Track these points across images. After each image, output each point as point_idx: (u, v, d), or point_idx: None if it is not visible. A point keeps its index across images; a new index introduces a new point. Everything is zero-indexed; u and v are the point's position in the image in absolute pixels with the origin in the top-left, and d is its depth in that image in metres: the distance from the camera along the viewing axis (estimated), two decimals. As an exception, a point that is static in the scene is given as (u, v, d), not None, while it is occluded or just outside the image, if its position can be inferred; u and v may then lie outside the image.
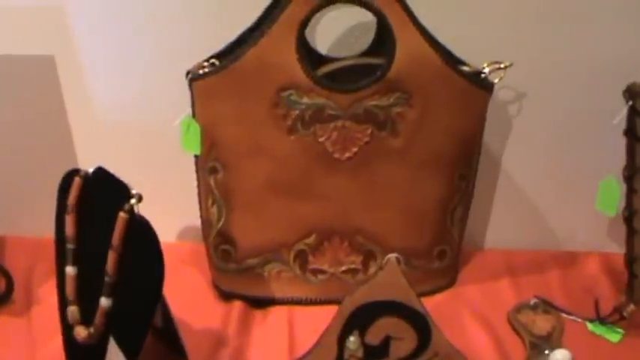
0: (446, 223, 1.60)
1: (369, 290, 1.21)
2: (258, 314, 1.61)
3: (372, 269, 1.63)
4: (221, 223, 1.54)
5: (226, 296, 1.62)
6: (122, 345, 1.28)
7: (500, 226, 1.79)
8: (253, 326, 1.58)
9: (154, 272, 1.24)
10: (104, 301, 1.27)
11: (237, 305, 1.61)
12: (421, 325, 1.19)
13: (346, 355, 1.22)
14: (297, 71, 1.44)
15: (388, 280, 1.20)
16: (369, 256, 1.62)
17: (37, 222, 1.67)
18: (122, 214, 1.22)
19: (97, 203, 1.32)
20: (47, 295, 1.67)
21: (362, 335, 1.20)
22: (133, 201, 1.23)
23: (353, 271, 1.63)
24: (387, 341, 1.20)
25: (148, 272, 1.24)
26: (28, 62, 1.66)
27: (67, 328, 1.40)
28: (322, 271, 1.61)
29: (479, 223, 1.74)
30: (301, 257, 1.60)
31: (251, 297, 1.64)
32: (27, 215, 1.64)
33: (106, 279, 1.26)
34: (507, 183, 1.76)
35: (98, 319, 1.29)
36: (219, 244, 1.56)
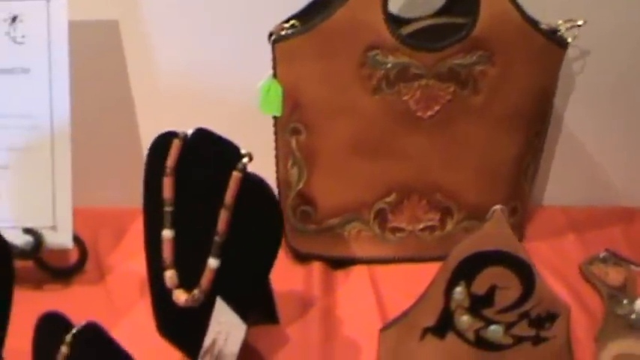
0: (519, 180, 1.64)
1: (475, 241, 1.22)
2: (339, 274, 1.62)
3: (448, 226, 1.65)
4: (301, 184, 1.54)
5: (304, 258, 1.62)
6: (234, 306, 1.25)
7: (560, 182, 1.77)
8: (337, 286, 1.59)
9: (271, 230, 1.25)
10: (212, 262, 1.27)
11: (317, 266, 1.61)
12: (525, 273, 1.22)
13: (453, 305, 1.23)
14: (383, 31, 1.47)
15: (494, 230, 1.21)
16: (446, 213, 1.64)
17: (99, 191, 1.64)
18: (236, 173, 1.22)
19: (197, 164, 1.30)
20: (118, 263, 1.69)
21: (468, 286, 1.22)
22: (245, 160, 1.21)
23: (430, 229, 1.64)
24: (492, 291, 1.22)
25: (263, 230, 1.23)
26: (92, 27, 1.64)
27: (161, 293, 1.39)
28: (401, 229, 1.62)
29: (539, 179, 1.77)
30: (381, 216, 1.60)
31: (331, 257, 1.64)
32: (90, 184, 1.62)
33: (216, 239, 1.25)
34: (568, 139, 1.77)
35: (204, 280, 1.28)
36: (298, 206, 1.57)
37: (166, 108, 1.75)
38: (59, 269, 1.57)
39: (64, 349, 1.00)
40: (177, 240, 1.36)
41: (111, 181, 1.74)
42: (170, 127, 1.38)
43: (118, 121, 1.76)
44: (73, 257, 1.64)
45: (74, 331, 1.01)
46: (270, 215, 1.25)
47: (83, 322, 1.02)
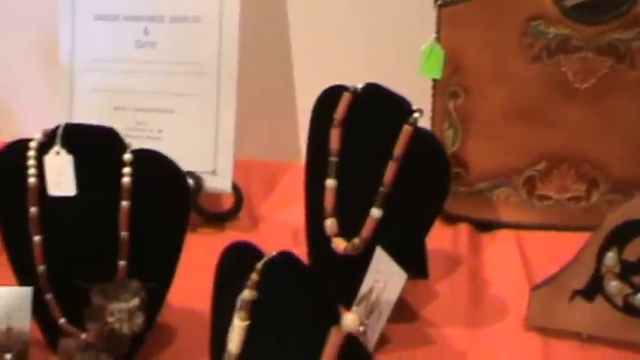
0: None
1: (629, 209, 1.25)
2: (485, 237, 1.65)
3: (594, 197, 1.68)
4: (455, 146, 1.59)
5: (452, 219, 1.64)
6: (394, 255, 1.28)
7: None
8: (483, 248, 1.62)
9: (439, 185, 1.31)
10: (375, 212, 1.31)
11: (464, 228, 1.64)
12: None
13: (603, 270, 1.26)
14: (547, 2, 1.52)
15: (651, 200, 1.24)
16: (592, 185, 1.67)
17: (251, 142, 1.70)
18: (407, 127, 1.26)
19: (366, 117, 1.34)
20: (270, 213, 1.75)
21: (620, 252, 1.25)
22: (416, 114, 1.25)
23: (576, 199, 1.67)
24: (643, 259, 1.25)
25: (430, 185, 1.27)
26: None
27: (319, 242, 1.44)
28: (548, 197, 1.66)
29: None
30: (530, 183, 1.64)
31: (478, 220, 1.67)
32: (243, 135, 1.69)
33: (381, 189, 1.30)
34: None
35: (366, 229, 1.32)
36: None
37: (324, 65, 1.79)
38: (214, 214, 1.63)
39: (254, 277, 1.03)
40: (339, 190, 1.41)
41: (264, 134, 1.78)
42: (327, 84, 1.43)
43: (276, 76, 1.79)
44: (227, 204, 1.67)
45: (266, 258, 1.04)
46: (440, 170, 1.30)
47: (275, 251, 1.04)
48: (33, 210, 1.26)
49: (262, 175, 1.77)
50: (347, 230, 1.38)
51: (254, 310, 1.02)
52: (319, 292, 0.97)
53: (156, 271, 1.27)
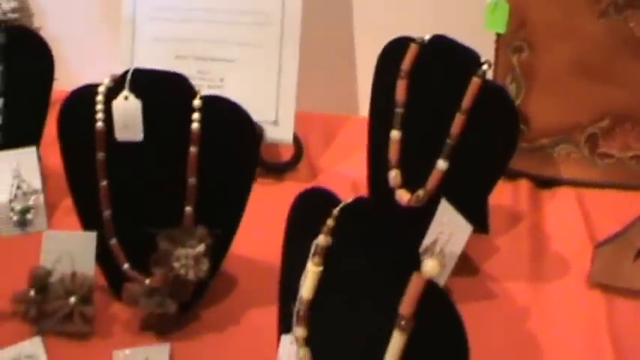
0: None
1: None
2: (546, 194, 1.65)
3: (656, 157, 1.57)
4: (518, 101, 1.59)
5: (513, 175, 1.64)
6: (457, 209, 1.27)
7: None
8: (544, 204, 1.61)
9: (507, 138, 1.31)
10: (441, 164, 1.30)
11: (525, 184, 1.64)
12: None
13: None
14: (615, -45, 1.40)
15: None
16: (656, 144, 1.56)
17: (311, 95, 1.69)
18: (475, 79, 1.25)
19: (433, 69, 1.33)
20: (328, 165, 1.75)
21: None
22: (485, 67, 1.24)
23: (638, 158, 1.65)
24: None
25: (498, 138, 1.27)
26: None
27: (381, 193, 1.44)
28: (610, 156, 1.65)
29: None
30: (592, 140, 1.63)
31: (539, 176, 1.66)
32: (303, 88, 1.68)
33: (447, 141, 1.29)
34: None
35: (431, 181, 1.31)
36: (512, 123, 1.55)
37: (385, 19, 1.78)
38: (274, 165, 1.63)
39: (329, 222, 1.03)
40: (404, 141, 1.40)
41: (323, 87, 1.77)
42: (388, 38, 1.42)
43: (336, 29, 1.77)
44: (286, 155, 1.67)
45: (343, 204, 1.03)
46: (509, 123, 1.29)
47: (352, 198, 1.04)
48: (100, 155, 1.27)
49: (321, 128, 1.77)
50: (411, 182, 1.39)
51: (328, 256, 1.00)
52: (398, 237, 0.94)
53: (222, 218, 1.27)
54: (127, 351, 1.25)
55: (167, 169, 1.26)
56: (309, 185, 1.49)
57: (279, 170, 1.62)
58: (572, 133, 1.61)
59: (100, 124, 1.25)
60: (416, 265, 0.90)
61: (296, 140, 1.59)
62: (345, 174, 1.56)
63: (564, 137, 1.60)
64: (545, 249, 1.49)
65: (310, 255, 1.02)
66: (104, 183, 1.27)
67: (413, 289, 0.88)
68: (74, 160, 1.32)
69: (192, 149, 1.21)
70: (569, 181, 1.66)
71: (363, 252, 0.97)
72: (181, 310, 1.27)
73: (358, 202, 1.03)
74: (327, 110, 1.78)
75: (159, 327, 1.32)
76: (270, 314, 1.27)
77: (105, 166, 1.27)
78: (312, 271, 1.02)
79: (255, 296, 1.39)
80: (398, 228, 0.96)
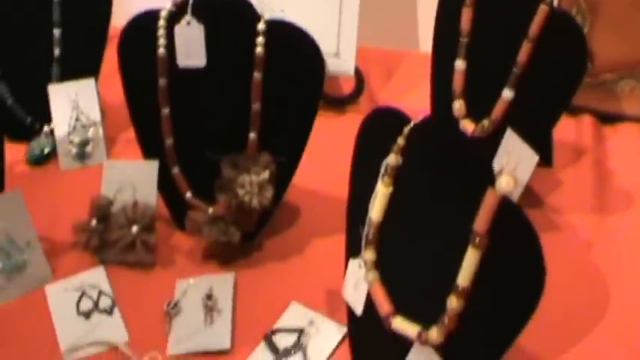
0: None
1: None
2: (608, 129, 1.63)
3: None
4: (583, 35, 1.51)
5: (575, 110, 1.62)
6: (527, 136, 1.26)
7: None
8: (606, 140, 1.60)
9: (575, 66, 1.29)
10: (507, 93, 1.28)
11: (587, 119, 1.63)
12: None
13: None
14: None
15: None
16: None
17: (370, 30, 1.67)
18: (543, 6, 1.23)
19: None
20: (388, 99, 1.73)
21: None
22: (555, -7, 1.21)
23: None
24: None
25: (566, 66, 1.25)
26: None
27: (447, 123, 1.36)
28: (674, 91, 1.54)
29: None
30: (656, 75, 1.52)
31: (602, 112, 1.64)
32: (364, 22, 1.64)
33: (514, 70, 1.26)
34: None
35: (496, 111, 1.30)
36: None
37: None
38: (335, 97, 1.61)
39: (400, 141, 1.01)
40: (469, 71, 1.37)
41: (383, 21, 1.75)
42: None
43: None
44: (346, 89, 1.66)
45: (414, 122, 1.02)
46: (577, 51, 1.27)
47: (422, 117, 1.03)
48: (162, 82, 1.25)
49: (381, 63, 1.76)
50: (475, 112, 1.36)
51: (399, 176, 0.98)
52: (472, 154, 0.93)
53: (286, 145, 1.26)
54: (191, 280, 1.24)
55: (230, 95, 1.24)
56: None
57: (340, 103, 1.61)
58: (636, 69, 1.56)
59: (161, 50, 1.24)
60: (490, 181, 0.87)
61: (357, 73, 1.58)
62: (407, 107, 1.52)
63: (628, 72, 1.58)
64: (609, 183, 1.47)
65: (380, 175, 0.99)
66: (166, 111, 1.26)
67: (487, 205, 0.87)
68: (135, 88, 1.32)
69: (257, 74, 1.20)
70: (632, 116, 1.62)
71: (434, 170, 0.96)
72: (244, 239, 1.24)
73: (430, 120, 1.00)
74: (387, 45, 1.72)
75: (222, 256, 1.30)
76: (332, 243, 1.29)
77: (167, 94, 1.26)
78: (381, 192, 1.01)
79: (318, 226, 1.39)
80: (470, 145, 0.93)
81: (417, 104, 1.48)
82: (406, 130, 0.99)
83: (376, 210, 1.00)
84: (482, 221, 0.87)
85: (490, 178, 0.89)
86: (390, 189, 1.00)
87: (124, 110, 1.44)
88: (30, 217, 1.26)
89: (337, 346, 1.18)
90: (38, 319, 1.25)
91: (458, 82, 1.33)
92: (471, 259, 0.88)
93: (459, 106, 1.33)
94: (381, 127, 1.07)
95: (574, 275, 1.24)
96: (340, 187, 1.28)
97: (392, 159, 0.98)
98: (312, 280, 1.28)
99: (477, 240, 0.87)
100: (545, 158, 1.38)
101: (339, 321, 1.20)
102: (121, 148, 1.55)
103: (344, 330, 1.19)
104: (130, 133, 1.46)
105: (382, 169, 0.99)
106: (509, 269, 0.89)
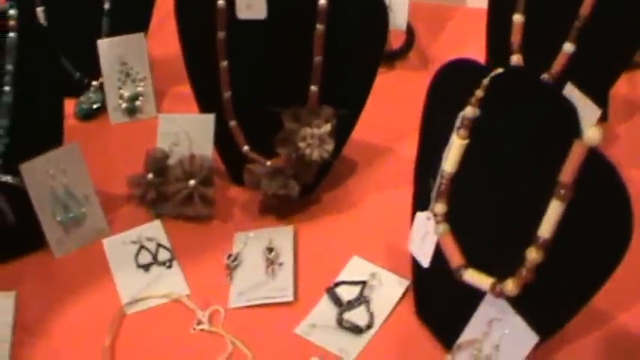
0: None
1: None
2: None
3: None
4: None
5: (631, 66, 1.59)
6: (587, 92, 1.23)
7: None
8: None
9: (636, 22, 1.23)
10: (568, 47, 1.28)
11: (640, 74, 1.53)
12: None
13: None
14: None
15: None
16: None
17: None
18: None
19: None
20: (438, 54, 1.72)
21: None
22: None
23: None
24: None
25: (629, 19, 1.22)
26: None
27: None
28: None
29: None
30: None
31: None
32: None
33: (575, 23, 1.25)
34: None
35: (556, 65, 1.29)
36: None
37: None
38: (385, 52, 1.58)
39: (478, 93, 1.01)
40: (527, 25, 1.36)
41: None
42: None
43: None
44: (396, 44, 1.67)
45: (493, 73, 1.00)
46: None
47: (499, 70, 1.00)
48: (221, 34, 1.24)
49: (429, 17, 1.73)
50: (533, 67, 1.33)
51: (475, 129, 0.97)
52: (559, 104, 0.91)
53: (347, 99, 1.25)
54: (251, 233, 1.24)
55: (291, 47, 1.24)
56: (421, 73, 1.48)
57: (391, 57, 1.59)
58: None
59: (221, 2, 1.24)
60: (577, 133, 0.85)
61: (409, 28, 1.55)
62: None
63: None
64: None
65: (455, 128, 0.98)
66: (225, 63, 1.25)
67: (575, 156, 0.85)
68: (193, 41, 1.31)
69: (319, 26, 1.19)
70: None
71: (516, 122, 0.94)
72: (302, 193, 1.25)
73: (512, 70, 0.96)
74: (434, 0, 1.70)
75: (279, 210, 1.31)
76: (388, 197, 1.32)
77: (225, 46, 1.24)
78: (457, 144, 1.00)
79: (375, 179, 1.40)
80: (557, 95, 0.91)
81: (469, 59, 1.45)
82: (485, 81, 0.96)
83: (450, 162, 0.99)
84: (568, 173, 0.86)
85: (577, 129, 0.86)
86: (466, 141, 0.97)
87: (171, 64, 1.45)
88: (87, 170, 1.25)
89: (400, 299, 1.18)
90: (97, 272, 1.26)
91: (516, 36, 1.32)
92: (554, 211, 0.87)
93: (516, 60, 1.31)
94: (455, 79, 1.05)
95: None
96: (395, 141, 1.33)
97: (469, 111, 0.97)
98: (371, 234, 1.28)
99: (562, 192, 0.85)
100: (602, 113, 1.33)
101: (401, 274, 1.19)
102: (170, 102, 1.55)
103: (406, 283, 1.18)
104: (178, 88, 1.46)
105: (458, 122, 0.97)
106: (595, 222, 0.89)
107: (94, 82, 1.54)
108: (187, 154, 1.26)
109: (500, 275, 0.97)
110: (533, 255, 0.90)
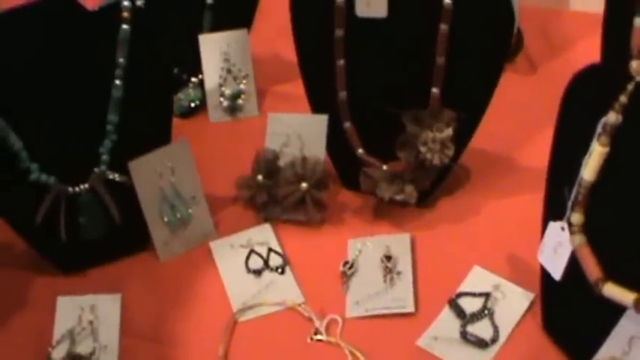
0: None
1: None
2: None
3: None
4: None
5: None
6: None
7: None
8: None
9: None
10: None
11: None
12: None
13: None
14: None
15: None
16: None
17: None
18: None
19: None
20: (546, 57, 1.67)
21: None
22: None
23: None
24: None
25: None
26: None
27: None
28: None
29: None
30: None
31: None
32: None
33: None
34: None
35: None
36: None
37: None
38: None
39: (622, 99, 0.97)
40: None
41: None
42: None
43: None
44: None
45: (638, 80, 0.95)
46: None
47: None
48: (339, 32, 1.19)
49: (535, 20, 1.71)
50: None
51: (618, 136, 0.92)
52: None
53: (469, 101, 1.20)
54: (369, 242, 1.19)
55: (412, 48, 1.18)
56: (528, 77, 1.42)
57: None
58: None
59: (339, -1, 1.15)
60: None
61: (518, 31, 1.49)
62: (567, 67, 1.46)
63: None
64: None
65: (596, 134, 0.93)
66: (341, 62, 1.19)
67: None
68: (309, 38, 1.27)
69: (443, 26, 1.15)
70: None
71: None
72: (418, 199, 1.19)
73: None
74: (538, 4, 1.65)
75: (393, 216, 1.27)
76: (506, 206, 1.28)
77: (343, 45, 1.18)
78: (597, 152, 0.95)
79: (491, 187, 1.34)
80: None
81: (574, 64, 1.40)
82: (630, 87, 0.92)
83: (589, 170, 0.95)
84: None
85: None
86: (607, 149, 0.92)
87: (272, 62, 1.44)
88: (196, 168, 1.22)
89: (526, 312, 1.13)
90: (204, 276, 1.22)
91: (637, 40, 1.23)
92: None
93: (636, 66, 1.24)
94: (593, 84, 1.01)
95: None
96: (507, 147, 1.30)
97: (612, 117, 0.92)
98: (492, 244, 1.22)
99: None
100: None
101: (525, 286, 1.15)
102: (272, 101, 1.51)
103: (531, 296, 1.14)
104: (279, 87, 1.47)
105: (599, 128, 0.92)
106: None
107: (194, 79, 1.49)
108: (299, 156, 1.20)
109: (643, 290, 0.86)
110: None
